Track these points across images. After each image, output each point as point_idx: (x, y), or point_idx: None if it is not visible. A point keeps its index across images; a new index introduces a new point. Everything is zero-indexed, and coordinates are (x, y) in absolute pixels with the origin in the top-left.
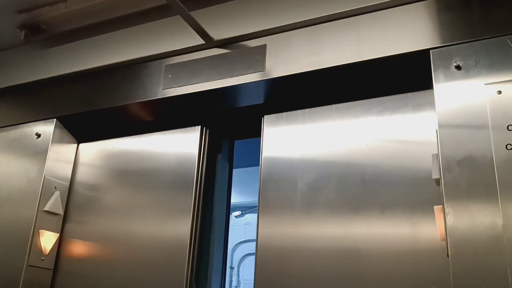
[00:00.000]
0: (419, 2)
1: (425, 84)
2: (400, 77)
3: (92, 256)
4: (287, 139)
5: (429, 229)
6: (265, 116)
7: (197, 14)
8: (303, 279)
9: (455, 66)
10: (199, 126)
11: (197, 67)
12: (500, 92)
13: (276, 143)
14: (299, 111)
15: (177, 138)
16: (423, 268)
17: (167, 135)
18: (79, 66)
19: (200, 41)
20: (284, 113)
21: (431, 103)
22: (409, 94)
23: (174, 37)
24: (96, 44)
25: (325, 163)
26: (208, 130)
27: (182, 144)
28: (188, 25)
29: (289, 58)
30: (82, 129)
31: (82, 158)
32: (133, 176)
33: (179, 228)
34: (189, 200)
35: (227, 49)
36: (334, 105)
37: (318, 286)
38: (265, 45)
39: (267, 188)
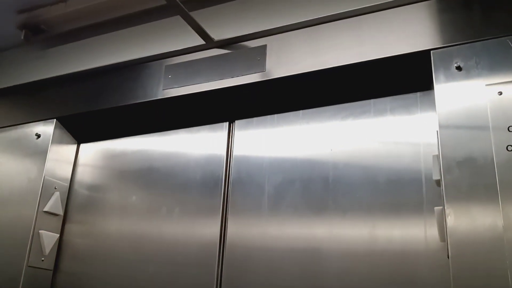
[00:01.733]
0: (421, 3)
1: (426, 85)
2: (399, 79)
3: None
4: (256, 143)
5: (387, 231)
6: (236, 121)
7: (197, 14)
8: (268, 277)
9: (455, 67)
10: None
11: (197, 67)
12: (501, 93)
13: (246, 147)
14: (268, 116)
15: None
16: (381, 269)
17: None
18: (79, 67)
19: (200, 41)
20: (255, 118)
21: (392, 109)
22: (372, 100)
23: (174, 37)
24: (96, 45)
25: (291, 167)
26: None
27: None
28: (188, 25)
29: (290, 59)
30: (82, 130)
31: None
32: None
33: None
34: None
35: (227, 49)
36: (301, 111)
37: (282, 283)
38: (265, 46)
39: (236, 190)
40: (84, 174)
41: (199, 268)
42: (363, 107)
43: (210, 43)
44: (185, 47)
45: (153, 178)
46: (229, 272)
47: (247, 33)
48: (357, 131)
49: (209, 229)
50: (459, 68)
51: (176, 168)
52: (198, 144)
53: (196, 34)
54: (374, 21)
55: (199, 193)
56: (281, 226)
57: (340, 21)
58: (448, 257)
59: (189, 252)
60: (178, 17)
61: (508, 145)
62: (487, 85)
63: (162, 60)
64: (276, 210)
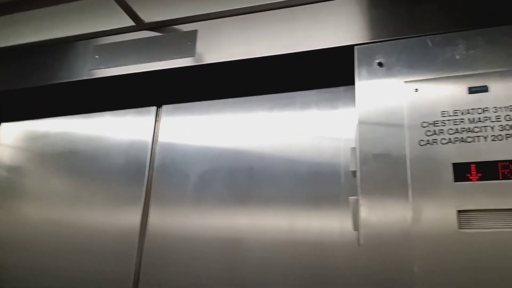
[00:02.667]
0: None
1: (350, 80)
2: (325, 72)
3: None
4: (183, 130)
5: (307, 222)
6: (163, 106)
7: None
8: (188, 266)
9: (377, 63)
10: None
11: (126, 49)
12: (417, 90)
13: (172, 134)
14: (197, 102)
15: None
16: (299, 258)
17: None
18: (1, 43)
19: (130, 22)
20: (183, 104)
21: (317, 102)
22: (297, 93)
23: (104, 17)
24: (21, 21)
25: (217, 156)
26: None
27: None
28: (118, 6)
29: (221, 46)
30: (3, 108)
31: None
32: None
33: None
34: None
35: (157, 32)
36: (230, 99)
37: (202, 273)
38: (196, 31)
39: (160, 177)
40: (3, 155)
41: (117, 256)
42: (289, 99)
43: (140, 25)
44: (114, 28)
45: (75, 162)
46: (148, 261)
47: (178, 17)
48: (283, 122)
49: (130, 217)
50: (380, 65)
51: (99, 152)
52: (123, 128)
53: (127, 15)
54: (306, 13)
55: (121, 179)
56: (204, 216)
57: (273, 11)
58: (358, 245)
59: (108, 240)
60: None
61: (420, 140)
62: (405, 82)
63: (90, 40)
64: (200, 199)
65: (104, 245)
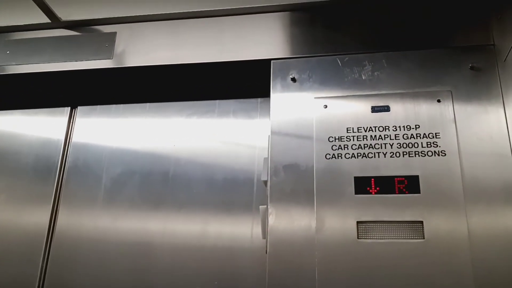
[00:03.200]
0: (276, 13)
1: (266, 92)
2: (245, 83)
3: None
4: (98, 132)
5: (218, 227)
6: (78, 107)
7: None
8: (96, 269)
9: (291, 78)
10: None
11: (41, 46)
12: (326, 106)
13: (87, 135)
14: (113, 105)
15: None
16: (209, 263)
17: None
18: None
19: (45, 19)
20: (98, 106)
21: (235, 112)
22: (217, 101)
23: (19, 12)
24: None
25: (132, 160)
26: None
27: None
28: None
29: (141, 50)
30: None
31: None
32: None
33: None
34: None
35: (75, 31)
36: (148, 104)
37: (110, 276)
38: (115, 33)
39: (71, 179)
40: None
41: (22, 258)
42: (208, 107)
43: (56, 22)
44: (28, 23)
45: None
46: (55, 263)
47: (98, 17)
48: (200, 129)
49: (38, 218)
50: (294, 80)
51: (7, 151)
52: (35, 127)
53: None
54: (232, 25)
55: (30, 179)
56: (115, 219)
57: (200, 19)
58: (266, 253)
59: (12, 241)
60: None
61: (327, 154)
62: (315, 98)
63: (1, 34)
64: (111, 202)
65: (8, 246)
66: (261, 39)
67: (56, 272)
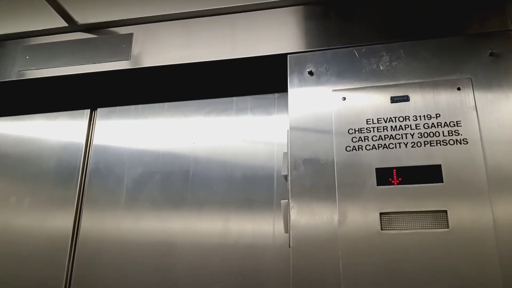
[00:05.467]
0: (289, 7)
1: (283, 87)
2: (261, 79)
3: None
4: (118, 133)
5: (240, 225)
6: (98, 109)
7: None
8: (120, 270)
9: (308, 71)
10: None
11: (59, 50)
12: (344, 99)
13: (107, 137)
14: (132, 106)
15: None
16: (231, 261)
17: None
18: None
19: (63, 23)
20: (118, 107)
21: (252, 108)
22: (234, 98)
23: (36, 17)
24: None
25: (152, 160)
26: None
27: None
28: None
29: (157, 50)
30: None
31: None
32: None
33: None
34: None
35: (92, 34)
36: (166, 103)
37: (134, 276)
38: (132, 34)
39: (93, 181)
40: None
41: (48, 261)
42: (226, 104)
43: (73, 26)
44: (46, 28)
45: (2, 165)
46: (80, 265)
47: (114, 19)
48: (219, 127)
49: (62, 221)
50: (311, 73)
51: (29, 155)
52: (55, 131)
53: (59, 16)
54: (245, 21)
55: (53, 183)
56: (137, 220)
57: (213, 17)
58: (289, 247)
59: (38, 245)
60: None
61: (347, 146)
62: (333, 90)
63: (20, 39)
64: (133, 203)
65: (34, 250)
66: (275, 34)
67: (81, 274)
